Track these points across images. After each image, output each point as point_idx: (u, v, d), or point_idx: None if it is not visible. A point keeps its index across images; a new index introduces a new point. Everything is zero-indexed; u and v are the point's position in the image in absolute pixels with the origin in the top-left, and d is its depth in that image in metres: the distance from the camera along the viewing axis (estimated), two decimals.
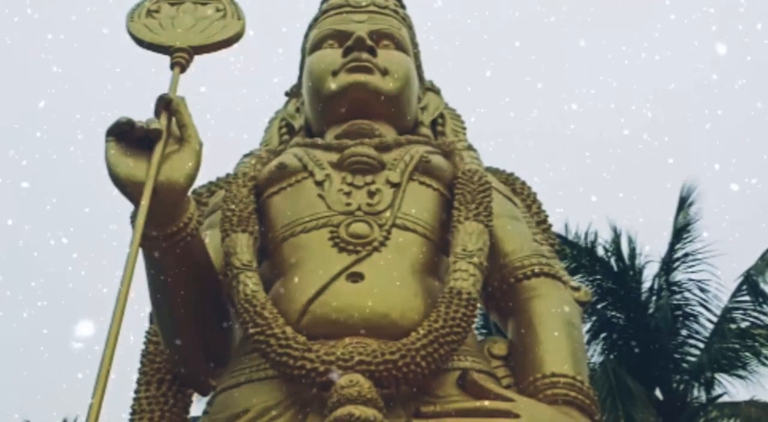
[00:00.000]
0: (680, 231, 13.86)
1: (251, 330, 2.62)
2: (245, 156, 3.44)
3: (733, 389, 12.64)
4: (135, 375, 3.19)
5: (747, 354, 12.70)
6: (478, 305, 2.86)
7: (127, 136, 2.56)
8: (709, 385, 12.68)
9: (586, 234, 14.02)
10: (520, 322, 2.99)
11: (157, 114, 2.64)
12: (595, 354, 13.27)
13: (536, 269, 3.07)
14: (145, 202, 2.48)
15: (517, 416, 2.52)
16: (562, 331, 2.89)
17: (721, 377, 12.70)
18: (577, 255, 13.80)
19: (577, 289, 3.20)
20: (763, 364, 12.62)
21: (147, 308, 3.12)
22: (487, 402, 2.58)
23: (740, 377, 12.64)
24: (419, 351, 2.53)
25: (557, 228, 13.20)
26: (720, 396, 12.66)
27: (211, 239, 3.06)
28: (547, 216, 3.67)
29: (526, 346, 2.88)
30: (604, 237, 14.15)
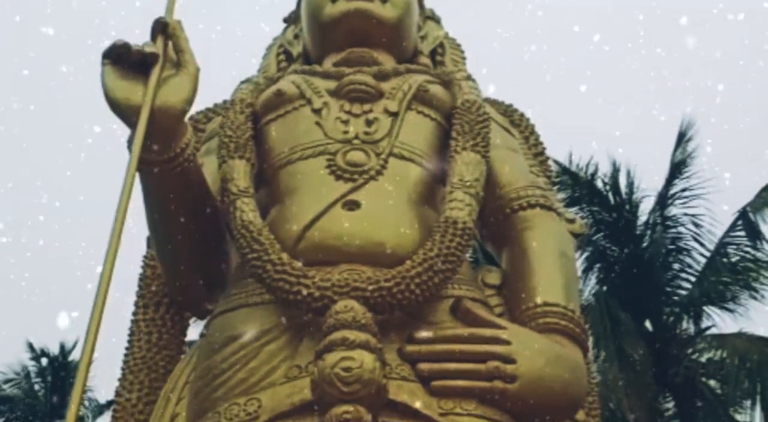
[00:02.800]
0: (678, 167, 13.87)
1: (248, 256, 2.65)
2: (242, 82, 3.41)
3: (721, 322, 12.85)
4: (134, 298, 3.24)
5: (737, 287, 12.85)
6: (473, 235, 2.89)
7: (123, 59, 2.55)
8: (698, 318, 12.88)
9: (587, 166, 14.04)
10: (514, 253, 3.02)
11: (154, 38, 2.61)
12: (589, 285, 13.44)
13: (532, 201, 3.08)
14: (141, 126, 2.47)
15: (507, 343, 2.57)
16: (555, 262, 2.93)
17: (710, 310, 12.90)
18: (577, 187, 13.84)
19: (572, 221, 3.22)
20: (753, 298, 12.79)
21: (145, 232, 3.15)
22: (479, 329, 2.63)
23: (729, 310, 12.83)
24: (414, 278, 2.56)
25: (560, 159, 13.23)
26: (708, 328, 12.87)
27: (208, 165, 3.07)
28: (544, 148, 3.67)
29: (520, 276, 2.91)
30: (604, 170, 14.18)
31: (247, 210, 2.75)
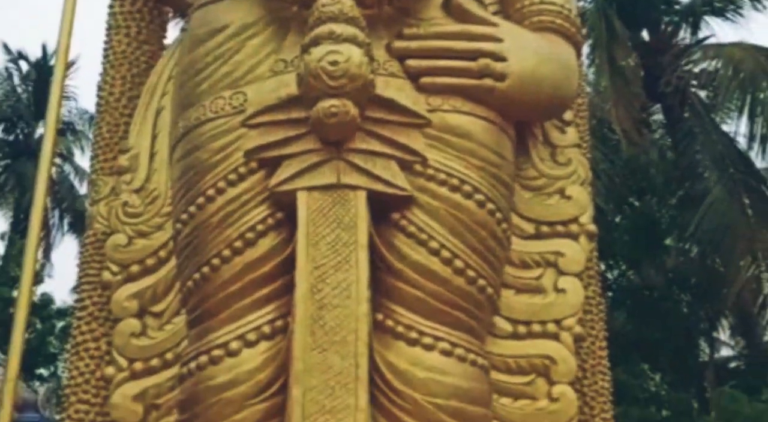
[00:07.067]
0: None
1: None
2: None
3: (720, 32, 12.63)
4: None
5: None
6: None
7: None
8: (696, 27, 12.62)
9: None
10: None
11: None
12: None
13: None
14: None
15: (499, 40, 2.50)
16: None
17: (711, 19, 12.61)
18: None
19: None
20: (755, 8, 12.46)
21: None
22: (470, 26, 2.54)
23: (730, 20, 12.55)
24: None
25: None
26: (707, 38, 12.67)
27: None
28: None
29: None
30: None
31: None
